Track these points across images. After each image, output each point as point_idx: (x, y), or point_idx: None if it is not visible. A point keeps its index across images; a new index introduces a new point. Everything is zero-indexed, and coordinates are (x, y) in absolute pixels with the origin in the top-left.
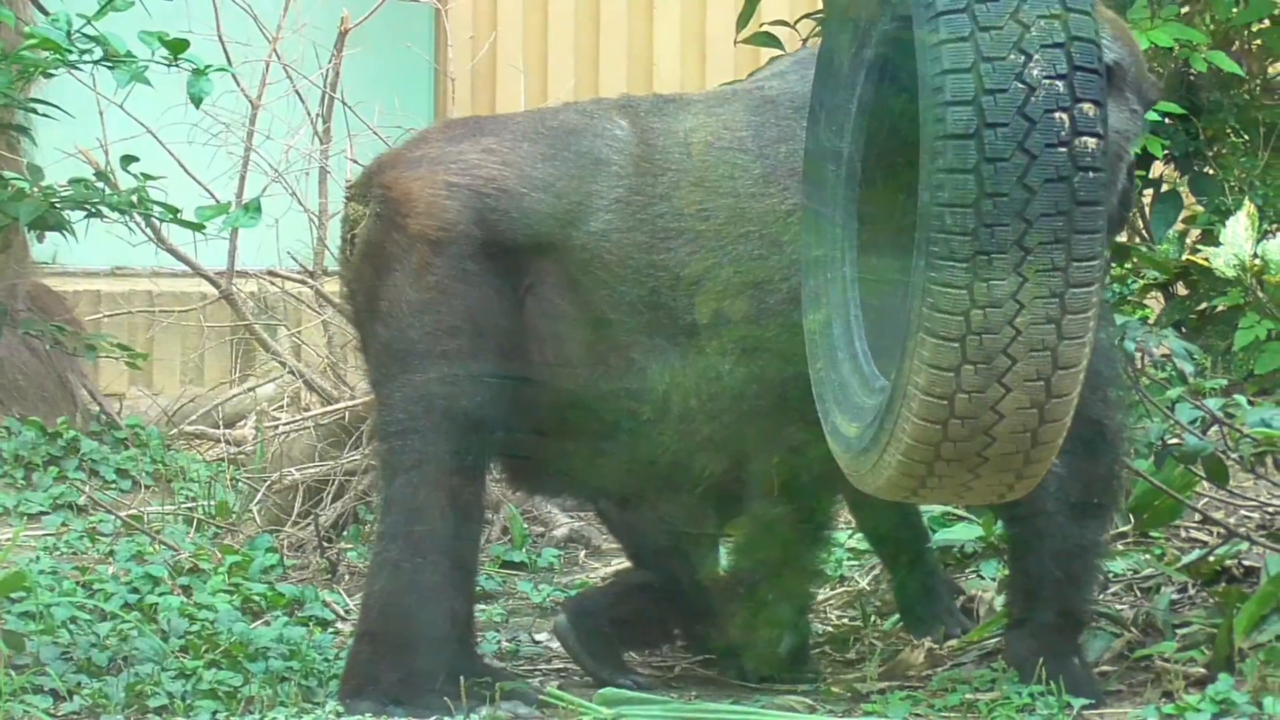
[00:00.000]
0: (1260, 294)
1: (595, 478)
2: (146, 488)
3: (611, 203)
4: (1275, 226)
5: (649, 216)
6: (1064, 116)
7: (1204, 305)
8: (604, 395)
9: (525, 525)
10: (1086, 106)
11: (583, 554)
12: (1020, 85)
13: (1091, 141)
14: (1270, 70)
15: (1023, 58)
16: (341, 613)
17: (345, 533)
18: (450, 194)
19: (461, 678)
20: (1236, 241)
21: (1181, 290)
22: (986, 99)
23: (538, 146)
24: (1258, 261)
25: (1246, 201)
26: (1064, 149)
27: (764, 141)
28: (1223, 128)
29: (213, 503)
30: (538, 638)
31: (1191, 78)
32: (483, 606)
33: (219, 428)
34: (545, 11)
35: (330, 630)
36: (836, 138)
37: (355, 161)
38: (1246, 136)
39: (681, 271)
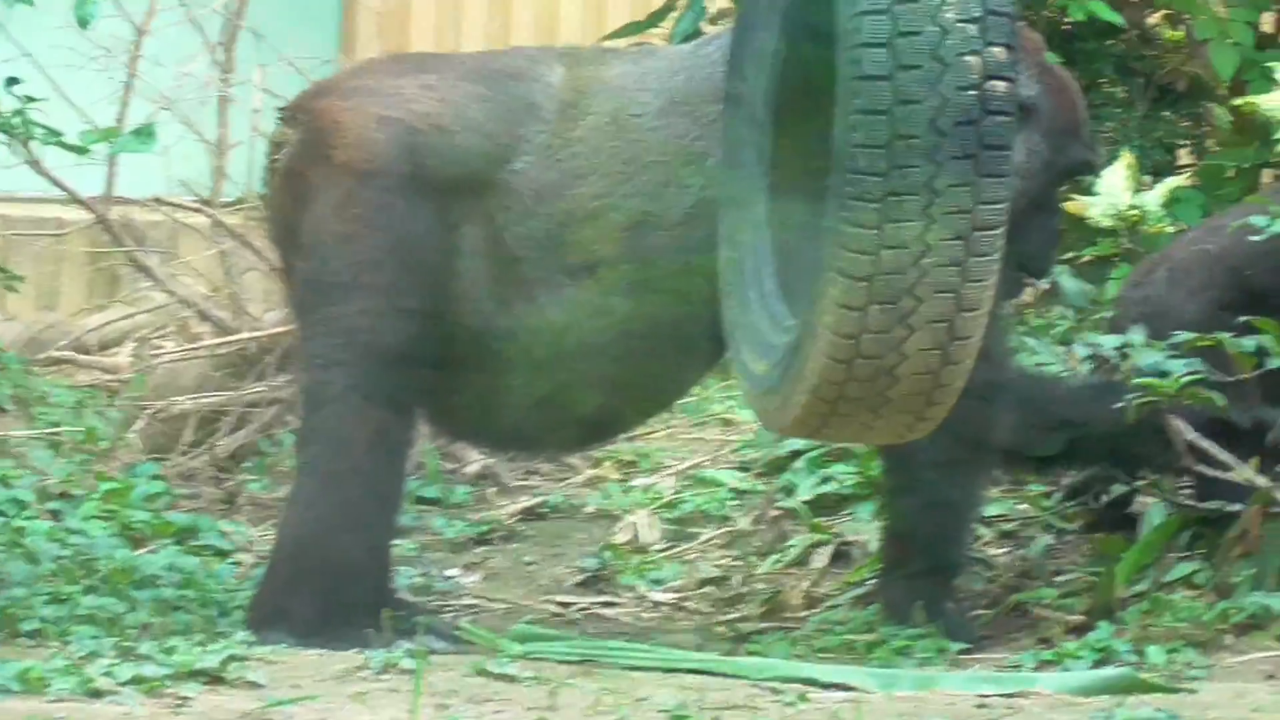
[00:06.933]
0: (1131, 244)
1: (508, 420)
2: (5, 412)
3: (535, 146)
4: (1150, 179)
5: (565, 158)
6: (975, 60)
7: (1071, 254)
8: (514, 333)
9: (439, 460)
10: (997, 50)
11: (492, 491)
12: (934, 28)
13: (1000, 85)
14: (1148, 20)
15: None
16: (244, 543)
17: (246, 464)
18: (380, 127)
19: (381, 611)
20: (1114, 192)
21: None
22: (901, 41)
23: (477, 88)
24: (1134, 212)
25: (1125, 152)
26: (974, 92)
27: (666, 80)
28: (1098, 78)
29: (80, 429)
30: (449, 573)
31: (1067, 27)
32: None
33: (88, 354)
34: None
35: (230, 561)
36: (754, 82)
37: (268, 91)
38: (1124, 87)
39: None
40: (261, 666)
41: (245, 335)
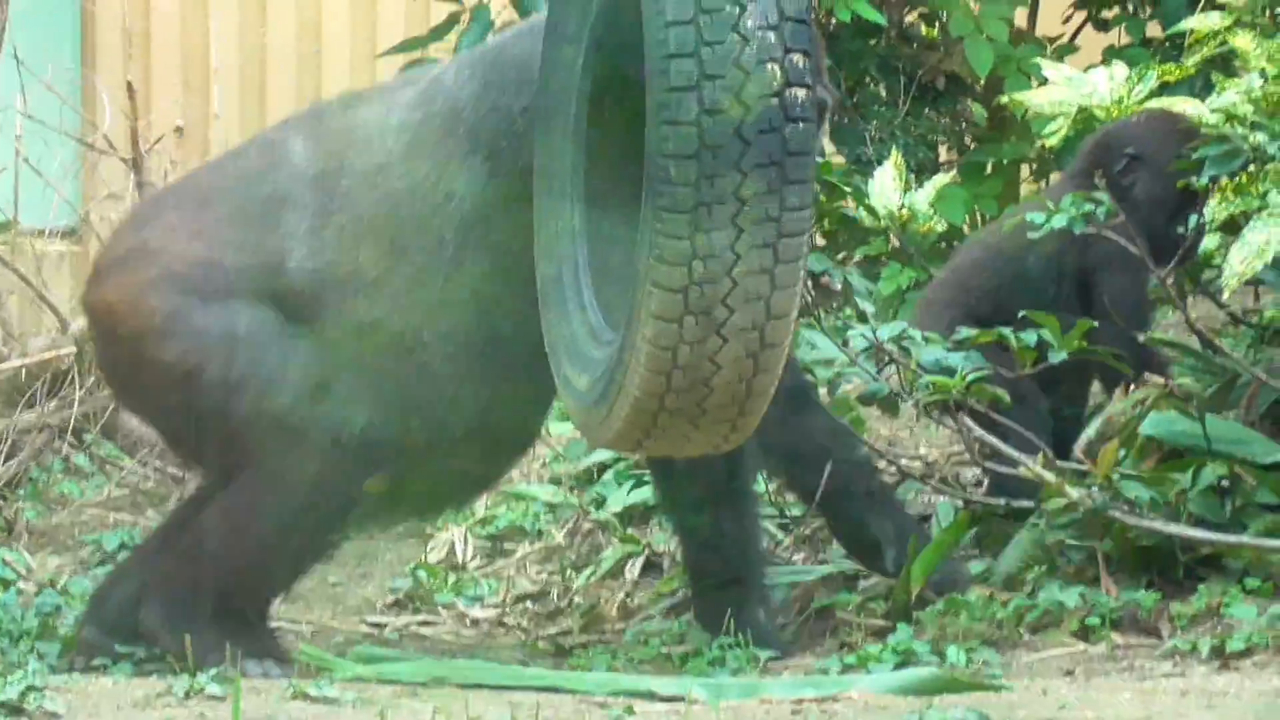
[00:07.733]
0: (900, 243)
1: None
2: None
3: (300, 237)
4: (914, 177)
5: (333, 225)
6: (776, 68)
7: (843, 254)
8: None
9: None
10: (796, 57)
11: None
12: (736, 36)
13: (801, 92)
14: (907, 18)
15: (737, 9)
16: (23, 571)
17: (21, 491)
18: (152, 290)
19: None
20: (884, 191)
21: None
22: (706, 51)
23: (228, 204)
24: (904, 211)
25: (894, 151)
26: (776, 100)
27: (416, 109)
28: (864, 77)
29: None
30: None
31: (832, 27)
32: None
33: None
34: None
35: (14, 589)
36: (564, 94)
37: (30, 117)
38: (887, 85)
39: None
40: (59, 696)
41: (16, 362)
